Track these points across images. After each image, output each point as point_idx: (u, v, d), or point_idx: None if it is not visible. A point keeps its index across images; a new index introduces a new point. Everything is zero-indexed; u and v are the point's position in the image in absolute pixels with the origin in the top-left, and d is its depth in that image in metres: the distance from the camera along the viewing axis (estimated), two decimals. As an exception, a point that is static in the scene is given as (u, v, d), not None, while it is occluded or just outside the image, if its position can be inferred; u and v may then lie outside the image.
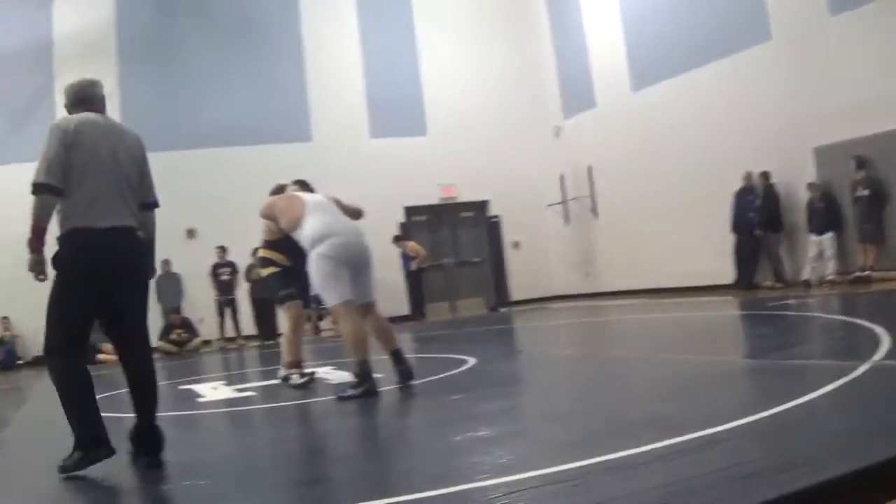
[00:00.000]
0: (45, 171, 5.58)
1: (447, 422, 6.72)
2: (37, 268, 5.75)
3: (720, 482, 3.88)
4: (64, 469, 5.66)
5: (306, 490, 4.95)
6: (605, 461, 4.45)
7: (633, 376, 8.34)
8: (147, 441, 5.83)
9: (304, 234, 8.79)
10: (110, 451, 5.66)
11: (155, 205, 6.31)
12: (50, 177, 5.58)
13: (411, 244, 23.09)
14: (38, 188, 5.60)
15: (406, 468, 5.20)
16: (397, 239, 22.96)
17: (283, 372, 10.29)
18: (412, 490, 4.42)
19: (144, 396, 5.95)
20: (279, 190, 10.37)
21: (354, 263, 8.76)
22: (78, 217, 5.66)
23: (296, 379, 10.00)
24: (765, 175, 18.14)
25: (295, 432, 7.66)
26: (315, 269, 8.68)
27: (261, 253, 10.80)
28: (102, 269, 5.69)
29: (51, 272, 5.70)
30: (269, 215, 9.65)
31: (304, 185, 10.13)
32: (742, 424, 5.01)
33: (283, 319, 10.56)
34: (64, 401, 5.69)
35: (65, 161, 5.61)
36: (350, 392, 8.42)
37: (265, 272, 10.66)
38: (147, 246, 6.19)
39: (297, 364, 10.16)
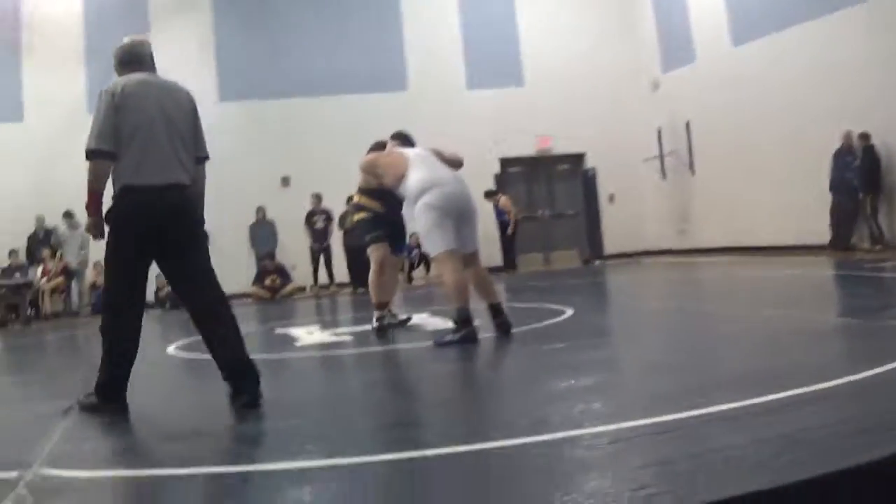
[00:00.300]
0: (96, 137, 5.72)
1: (547, 369, 6.68)
2: (94, 230, 5.99)
3: (830, 437, 3.78)
4: (80, 405, 5.95)
5: (401, 432, 4.95)
6: (711, 413, 4.37)
7: (731, 331, 8.20)
8: (244, 378, 5.89)
9: (410, 186, 8.74)
10: (124, 407, 5.90)
11: (206, 158, 6.38)
12: (101, 142, 5.71)
13: (503, 199, 22.98)
14: (90, 154, 5.75)
15: (504, 414, 5.14)
16: (488, 194, 22.85)
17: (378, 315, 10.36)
18: (510, 436, 4.40)
19: (231, 341, 6.00)
20: (379, 146, 10.31)
21: (459, 213, 8.73)
22: (128, 176, 5.77)
23: (380, 321, 10.15)
24: (864, 136, 17.70)
25: (390, 376, 7.70)
26: (421, 218, 8.66)
27: (356, 199, 10.83)
28: (152, 226, 5.80)
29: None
30: (371, 172, 9.67)
31: (404, 139, 10.00)
32: (847, 382, 4.89)
33: (371, 262, 10.51)
34: (105, 352, 5.91)
35: (115, 124, 5.72)
36: (449, 338, 8.43)
37: (357, 217, 10.72)
38: (197, 199, 6.30)
39: (381, 306, 10.25)
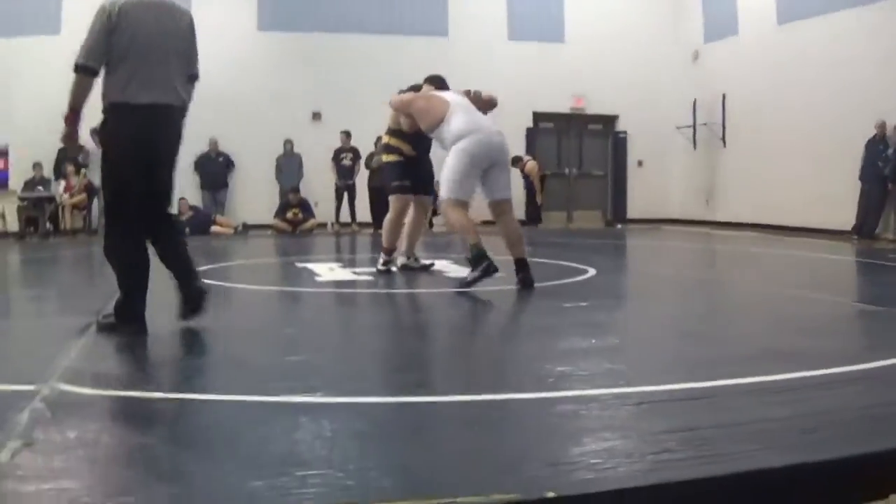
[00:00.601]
0: (85, 53, 5.80)
1: (570, 326, 6.66)
2: (68, 140, 6.23)
3: (863, 420, 3.76)
4: (99, 326, 6.02)
5: (406, 376, 4.95)
6: (736, 384, 4.36)
7: (755, 306, 8.19)
8: (194, 301, 6.18)
9: (450, 130, 8.71)
10: (142, 328, 5.95)
11: (195, 77, 6.45)
12: (89, 58, 5.81)
13: (529, 164, 22.79)
14: (76, 68, 5.85)
15: (523, 368, 5.13)
16: (515, 161, 22.71)
17: (401, 259, 10.45)
18: (530, 389, 4.40)
19: (184, 267, 6.25)
20: (415, 89, 10.18)
21: (493, 161, 8.74)
22: (117, 93, 5.87)
23: (386, 265, 10.31)
24: (903, 126, 17.54)
25: (407, 320, 7.72)
26: (452, 161, 8.66)
27: (385, 140, 10.78)
28: (142, 142, 5.91)
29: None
30: (404, 112, 9.65)
31: (440, 83, 9.91)
32: (878, 367, 4.86)
33: (390, 208, 10.60)
34: (118, 273, 6.03)
35: (107, 42, 5.79)
36: (472, 275, 8.46)
37: (386, 158, 10.66)
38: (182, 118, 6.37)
39: (389, 251, 10.39)
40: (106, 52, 5.79)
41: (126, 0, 5.86)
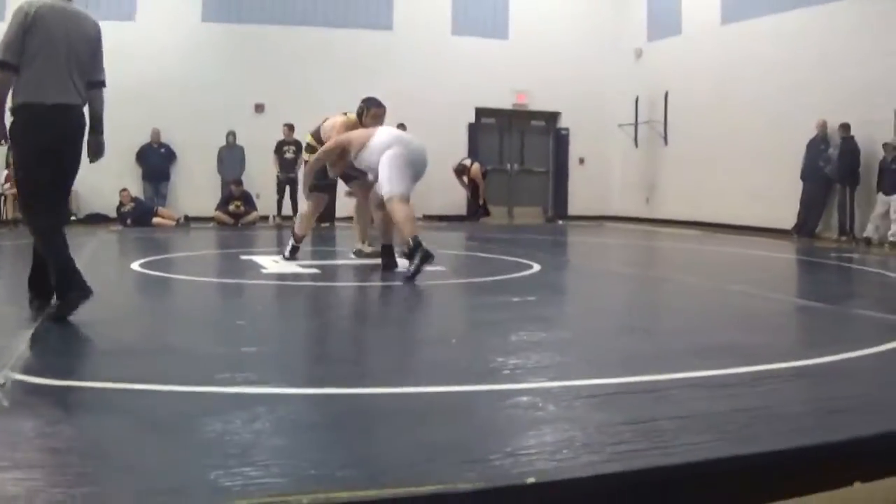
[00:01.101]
0: (3, 49, 6.04)
1: (519, 320, 6.69)
2: None
3: (811, 413, 3.85)
4: (58, 316, 6.05)
5: (360, 368, 5.00)
6: (688, 378, 4.43)
7: (698, 303, 8.29)
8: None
9: (374, 144, 9.42)
10: (88, 294, 6.10)
11: (102, 84, 6.66)
12: (6, 54, 6.03)
13: (474, 168, 22.78)
14: None
15: (473, 361, 5.12)
16: (459, 171, 22.78)
17: (357, 246, 11.15)
18: (481, 382, 4.43)
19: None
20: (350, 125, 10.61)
21: (417, 171, 9.45)
22: (27, 93, 6.09)
23: (292, 253, 10.91)
24: (844, 126, 17.69)
25: (356, 312, 7.75)
26: (388, 163, 9.18)
27: (309, 139, 11.38)
28: (45, 139, 6.12)
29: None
30: (339, 150, 10.02)
31: (377, 106, 10.58)
32: (823, 363, 4.96)
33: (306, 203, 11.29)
34: (57, 262, 6.20)
35: (22, 41, 6.04)
36: (414, 265, 8.73)
37: (307, 157, 11.16)
38: (94, 123, 6.64)
39: (299, 239, 11.08)
40: (22, 50, 6.03)
41: (42, 3, 6.10)
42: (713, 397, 4.08)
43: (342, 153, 9.94)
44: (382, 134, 9.63)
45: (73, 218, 18.25)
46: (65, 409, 3.83)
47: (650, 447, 3.21)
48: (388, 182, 9.14)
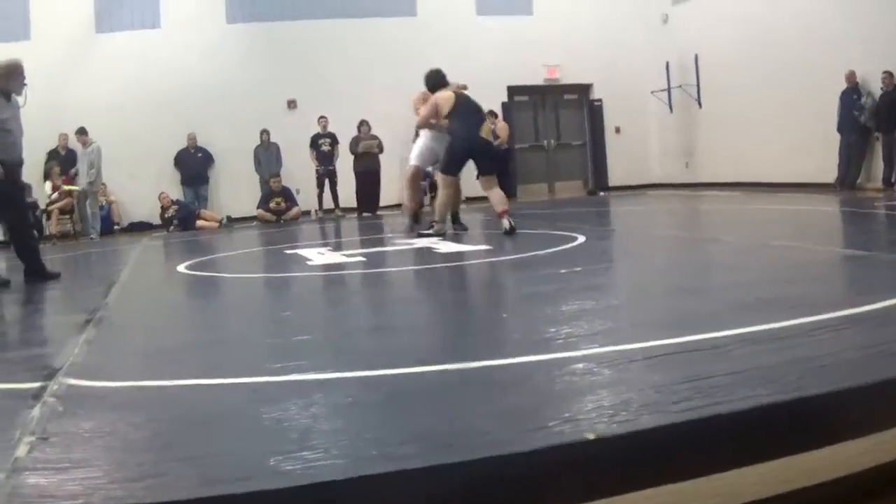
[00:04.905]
0: None
1: (568, 291, 6.68)
2: None
3: (866, 358, 3.79)
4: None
5: (414, 348, 4.96)
6: (744, 333, 4.36)
7: (745, 260, 8.19)
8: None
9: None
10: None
11: None
12: None
13: (501, 125, 22.78)
14: None
15: (531, 332, 5.11)
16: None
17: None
18: (541, 351, 4.39)
19: None
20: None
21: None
22: None
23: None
24: (888, 74, 17.43)
25: (406, 295, 7.73)
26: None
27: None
28: None
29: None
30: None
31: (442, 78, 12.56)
32: (874, 309, 4.87)
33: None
34: (34, 256, 9.68)
35: None
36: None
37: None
38: None
39: (506, 212, 11.70)
40: None
41: None
42: (767, 350, 4.02)
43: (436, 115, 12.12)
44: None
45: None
46: (120, 409, 3.84)
47: (708, 403, 3.18)
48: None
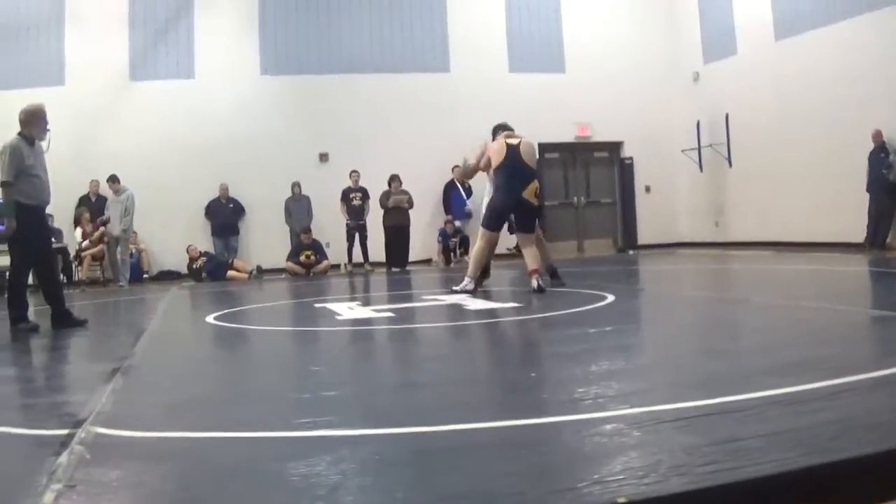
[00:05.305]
0: None
1: (598, 350, 6.69)
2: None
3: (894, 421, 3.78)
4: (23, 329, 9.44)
5: (443, 406, 4.93)
6: (773, 396, 4.36)
7: (773, 320, 8.19)
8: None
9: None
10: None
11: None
12: None
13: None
14: None
15: (560, 392, 5.12)
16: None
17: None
18: (571, 412, 4.40)
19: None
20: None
21: None
22: None
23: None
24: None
25: (435, 352, 7.69)
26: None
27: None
28: None
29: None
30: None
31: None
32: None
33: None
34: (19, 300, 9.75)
35: None
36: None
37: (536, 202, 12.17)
38: None
39: (538, 272, 11.62)
40: None
41: None
42: (796, 413, 4.02)
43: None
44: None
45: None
46: (148, 459, 3.86)
47: (738, 466, 3.17)
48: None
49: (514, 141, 12.01)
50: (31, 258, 9.80)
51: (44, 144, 9.94)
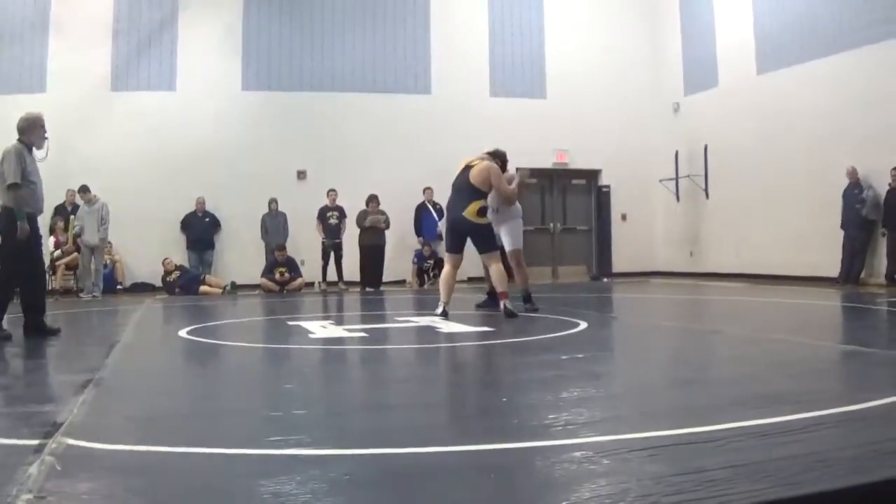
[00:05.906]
0: None
1: (569, 377, 6.72)
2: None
3: (865, 456, 3.80)
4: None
5: (412, 428, 4.92)
6: (743, 427, 4.38)
7: (744, 352, 8.20)
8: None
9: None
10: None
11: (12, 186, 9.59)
12: None
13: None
14: None
15: (530, 418, 5.12)
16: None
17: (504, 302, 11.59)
18: (537, 438, 4.43)
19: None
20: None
21: None
22: None
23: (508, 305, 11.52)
24: (896, 170, 17.58)
25: (406, 373, 7.69)
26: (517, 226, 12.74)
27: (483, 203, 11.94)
28: None
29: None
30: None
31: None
32: (872, 406, 4.91)
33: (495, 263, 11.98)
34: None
35: None
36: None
37: (483, 220, 11.91)
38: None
39: (505, 295, 11.60)
40: None
41: None
42: (765, 445, 4.04)
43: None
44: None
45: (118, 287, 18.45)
46: (118, 472, 3.84)
47: (706, 496, 3.19)
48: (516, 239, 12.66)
49: (473, 162, 12.07)
50: (23, 269, 9.73)
51: (41, 153, 9.97)
